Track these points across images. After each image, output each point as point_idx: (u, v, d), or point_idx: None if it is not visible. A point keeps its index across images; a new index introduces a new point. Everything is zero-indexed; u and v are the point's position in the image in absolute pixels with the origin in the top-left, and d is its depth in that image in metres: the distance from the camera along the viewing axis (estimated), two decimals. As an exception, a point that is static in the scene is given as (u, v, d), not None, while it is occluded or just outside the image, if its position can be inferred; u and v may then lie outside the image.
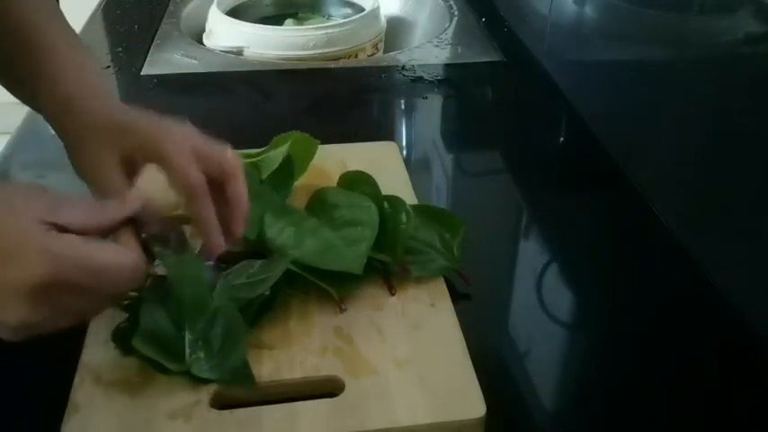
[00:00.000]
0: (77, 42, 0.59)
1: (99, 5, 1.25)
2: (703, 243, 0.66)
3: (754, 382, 0.56)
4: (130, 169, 0.52)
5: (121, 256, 0.45)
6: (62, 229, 0.43)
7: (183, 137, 0.52)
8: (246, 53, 1.11)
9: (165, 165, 0.51)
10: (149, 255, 0.49)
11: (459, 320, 0.56)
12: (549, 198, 0.79)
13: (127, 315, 0.54)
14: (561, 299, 0.65)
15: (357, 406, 0.49)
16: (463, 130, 0.93)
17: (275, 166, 0.66)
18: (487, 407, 0.49)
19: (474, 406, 0.49)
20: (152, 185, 0.53)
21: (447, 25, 1.19)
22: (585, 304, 0.65)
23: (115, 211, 0.47)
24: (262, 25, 1.15)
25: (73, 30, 0.59)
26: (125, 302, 0.56)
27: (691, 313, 0.62)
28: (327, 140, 0.74)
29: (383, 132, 0.89)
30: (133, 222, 0.48)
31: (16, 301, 0.41)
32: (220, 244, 0.52)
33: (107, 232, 0.47)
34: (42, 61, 0.55)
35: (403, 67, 1.03)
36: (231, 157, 0.53)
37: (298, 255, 0.57)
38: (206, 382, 0.50)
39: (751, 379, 0.56)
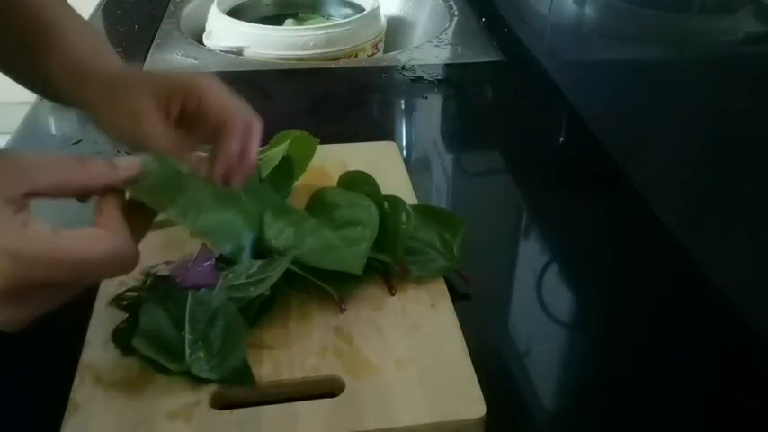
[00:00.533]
0: (82, 19, 0.59)
1: (99, 5, 1.25)
2: (703, 243, 0.66)
3: (754, 382, 0.56)
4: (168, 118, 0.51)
5: (102, 244, 0.39)
6: (35, 195, 0.38)
7: (215, 80, 0.53)
8: (246, 53, 1.11)
9: (205, 98, 0.51)
10: (136, 222, 0.44)
11: (460, 320, 0.56)
12: (549, 198, 0.79)
13: (127, 315, 0.54)
14: (561, 299, 0.65)
15: (357, 406, 0.49)
16: (463, 130, 0.93)
17: (274, 164, 0.66)
18: (487, 407, 0.49)
19: (474, 406, 0.49)
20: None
21: (447, 25, 1.19)
22: (585, 304, 0.65)
23: (102, 173, 0.43)
24: (262, 25, 1.15)
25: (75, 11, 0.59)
26: (125, 302, 0.56)
27: (691, 313, 0.62)
28: (327, 140, 0.74)
29: (383, 132, 0.89)
30: (117, 192, 0.43)
31: None
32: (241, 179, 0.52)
33: (85, 194, 0.43)
34: (53, 31, 0.54)
35: (403, 67, 1.03)
36: (251, 114, 0.53)
37: (298, 255, 0.57)
38: (206, 382, 0.50)
39: (751, 379, 0.56)
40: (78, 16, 0.59)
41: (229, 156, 0.51)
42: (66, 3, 0.59)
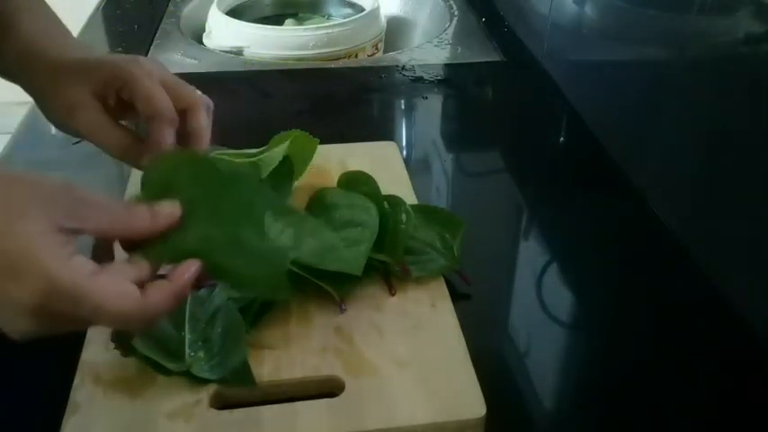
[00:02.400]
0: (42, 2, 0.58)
1: (99, 5, 1.25)
2: (703, 243, 0.66)
3: (754, 382, 0.56)
4: (106, 106, 0.52)
5: (123, 301, 0.40)
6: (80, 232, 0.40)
7: (151, 67, 0.53)
8: (246, 53, 1.11)
9: (134, 89, 0.51)
10: None
11: (459, 320, 0.56)
12: (549, 198, 0.79)
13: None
14: (561, 299, 0.65)
15: (357, 406, 0.49)
16: (463, 130, 0.93)
17: (274, 164, 0.66)
18: (487, 407, 0.49)
19: (474, 406, 0.49)
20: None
21: (447, 25, 1.19)
22: (585, 304, 0.65)
23: (145, 224, 0.44)
24: (262, 25, 1.15)
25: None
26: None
27: (690, 313, 0.62)
28: (327, 140, 0.74)
29: (383, 132, 0.89)
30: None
31: (20, 316, 0.39)
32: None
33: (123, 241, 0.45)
34: (8, 14, 0.54)
35: (403, 67, 1.03)
36: (195, 92, 0.54)
37: (297, 255, 0.57)
38: (206, 382, 0.50)
39: (751, 379, 0.56)
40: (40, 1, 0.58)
41: (162, 147, 0.51)
42: None
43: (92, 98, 0.51)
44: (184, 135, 0.53)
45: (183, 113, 0.53)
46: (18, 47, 0.53)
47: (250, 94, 0.85)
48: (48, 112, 0.53)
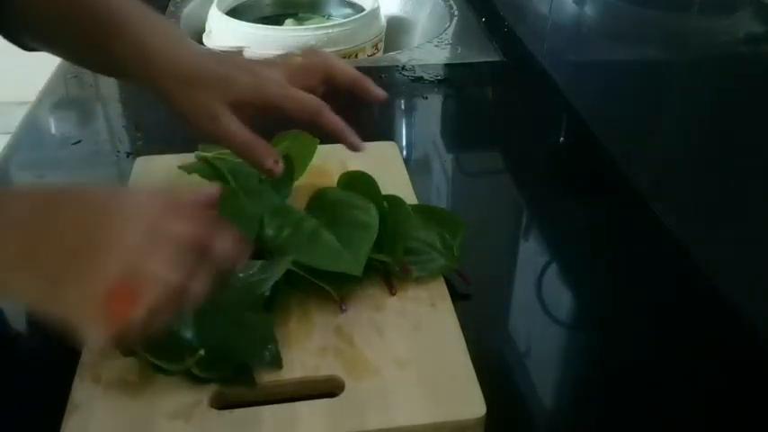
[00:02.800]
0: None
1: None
2: (703, 243, 0.66)
3: (754, 382, 0.56)
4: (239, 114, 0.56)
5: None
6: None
7: (277, 73, 0.58)
8: (246, 53, 1.11)
9: (277, 107, 0.57)
10: None
11: (459, 320, 0.56)
12: (549, 198, 0.79)
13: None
14: (561, 299, 0.65)
15: (357, 406, 0.49)
16: (463, 130, 0.93)
17: (275, 165, 0.66)
18: (487, 407, 0.49)
19: (474, 406, 0.49)
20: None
21: (447, 25, 1.19)
22: (585, 304, 0.65)
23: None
24: (262, 25, 1.15)
25: None
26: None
27: (690, 313, 0.62)
28: (327, 140, 0.74)
29: (383, 132, 0.89)
30: None
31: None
32: (359, 141, 0.60)
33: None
34: (115, 18, 0.56)
35: (403, 67, 1.03)
36: (320, 53, 0.62)
37: (297, 256, 0.57)
38: (206, 382, 0.50)
39: (751, 379, 0.56)
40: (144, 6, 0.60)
41: (341, 132, 0.60)
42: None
43: (228, 108, 0.56)
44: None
45: (325, 80, 0.61)
46: (130, 47, 0.56)
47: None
48: (181, 113, 0.57)
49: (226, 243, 0.42)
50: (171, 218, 0.41)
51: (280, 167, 0.57)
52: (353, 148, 0.59)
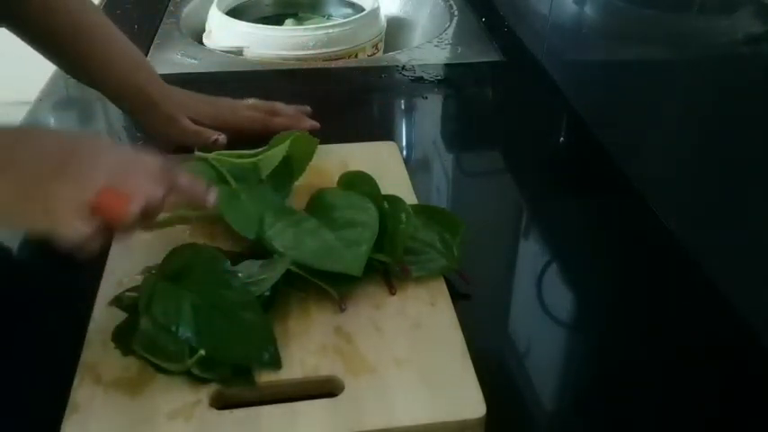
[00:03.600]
0: (117, 31, 0.74)
1: (99, 5, 1.25)
2: (703, 243, 0.66)
3: (753, 383, 0.56)
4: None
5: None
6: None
7: (231, 101, 0.79)
8: (246, 53, 1.11)
9: (230, 126, 0.75)
10: None
11: (459, 320, 0.56)
12: (549, 198, 0.79)
13: (127, 315, 0.54)
14: (561, 299, 0.65)
15: (357, 406, 0.49)
16: (463, 130, 0.93)
17: (274, 165, 0.66)
18: (487, 407, 0.49)
19: (474, 406, 0.49)
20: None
21: (447, 25, 1.19)
22: (585, 304, 0.65)
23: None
24: (262, 25, 1.15)
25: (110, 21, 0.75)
26: (125, 303, 0.56)
27: (690, 313, 0.62)
28: (327, 140, 0.74)
29: (383, 132, 0.89)
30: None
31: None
32: (312, 121, 0.79)
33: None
34: (95, 46, 0.72)
35: (403, 67, 1.03)
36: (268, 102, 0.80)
37: (297, 256, 0.57)
38: (206, 382, 0.50)
39: (751, 379, 0.56)
40: (112, 27, 0.74)
41: (294, 121, 0.79)
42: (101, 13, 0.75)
43: (187, 120, 0.74)
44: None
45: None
46: (113, 83, 0.72)
47: (250, 94, 0.85)
48: (145, 128, 0.76)
49: (187, 179, 0.53)
50: (140, 154, 0.51)
51: (223, 139, 0.73)
52: (312, 128, 0.76)
